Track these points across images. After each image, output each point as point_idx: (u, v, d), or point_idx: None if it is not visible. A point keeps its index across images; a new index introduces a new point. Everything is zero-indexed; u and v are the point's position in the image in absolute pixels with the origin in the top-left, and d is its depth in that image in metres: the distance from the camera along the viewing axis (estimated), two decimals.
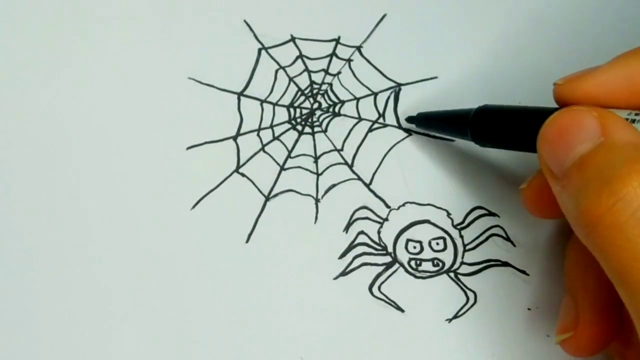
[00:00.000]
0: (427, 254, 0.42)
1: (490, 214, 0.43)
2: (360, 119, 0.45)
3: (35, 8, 0.46)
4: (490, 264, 0.42)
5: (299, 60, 0.46)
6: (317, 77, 0.46)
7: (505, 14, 0.47)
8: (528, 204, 0.39)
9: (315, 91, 0.45)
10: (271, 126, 0.45)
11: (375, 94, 0.46)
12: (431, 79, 0.46)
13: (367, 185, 0.44)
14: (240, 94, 0.45)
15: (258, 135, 0.45)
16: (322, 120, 0.45)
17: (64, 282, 0.42)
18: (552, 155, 0.33)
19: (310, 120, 0.45)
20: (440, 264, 0.42)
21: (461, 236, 0.43)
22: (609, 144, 0.31)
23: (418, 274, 0.42)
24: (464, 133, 0.40)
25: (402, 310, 0.42)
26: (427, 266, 0.42)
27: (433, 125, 0.43)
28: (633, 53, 0.35)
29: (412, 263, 0.42)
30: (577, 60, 0.44)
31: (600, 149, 0.31)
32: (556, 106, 0.36)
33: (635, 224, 0.29)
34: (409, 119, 0.44)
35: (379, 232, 0.43)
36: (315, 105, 0.45)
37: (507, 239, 0.43)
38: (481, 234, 0.43)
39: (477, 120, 0.40)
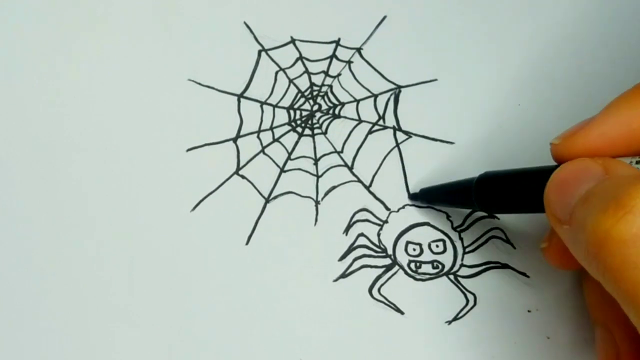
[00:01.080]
0: (427, 256, 0.43)
1: (490, 216, 0.43)
2: (360, 120, 0.46)
3: (35, 9, 0.46)
4: (490, 266, 0.43)
5: (299, 62, 0.46)
6: (317, 79, 0.46)
7: (506, 15, 0.48)
8: (551, 260, 0.39)
9: (315, 93, 0.46)
10: (271, 128, 0.45)
11: (375, 96, 0.46)
12: (431, 81, 0.46)
13: (367, 188, 0.44)
14: (240, 96, 0.45)
15: (258, 137, 0.45)
16: (322, 122, 0.45)
17: (64, 284, 0.42)
18: (558, 201, 0.32)
19: (310, 122, 0.45)
20: (440, 266, 0.43)
21: (461, 238, 0.43)
22: (613, 176, 0.31)
23: (418, 276, 0.43)
24: (470, 204, 0.41)
25: (402, 313, 0.42)
26: (426, 268, 0.43)
27: (437, 199, 0.43)
28: (623, 99, 0.34)
29: (412, 265, 0.43)
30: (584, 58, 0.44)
31: (605, 180, 0.31)
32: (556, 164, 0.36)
33: None
34: (413, 196, 0.44)
35: (378, 234, 0.44)
36: (315, 107, 0.46)
37: (507, 241, 0.43)
38: (481, 236, 0.43)
39: (480, 189, 0.39)
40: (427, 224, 0.43)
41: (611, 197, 0.28)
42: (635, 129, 0.33)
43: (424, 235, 0.43)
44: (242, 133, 0.45)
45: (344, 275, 0.43)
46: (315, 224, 0.44)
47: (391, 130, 0.45)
